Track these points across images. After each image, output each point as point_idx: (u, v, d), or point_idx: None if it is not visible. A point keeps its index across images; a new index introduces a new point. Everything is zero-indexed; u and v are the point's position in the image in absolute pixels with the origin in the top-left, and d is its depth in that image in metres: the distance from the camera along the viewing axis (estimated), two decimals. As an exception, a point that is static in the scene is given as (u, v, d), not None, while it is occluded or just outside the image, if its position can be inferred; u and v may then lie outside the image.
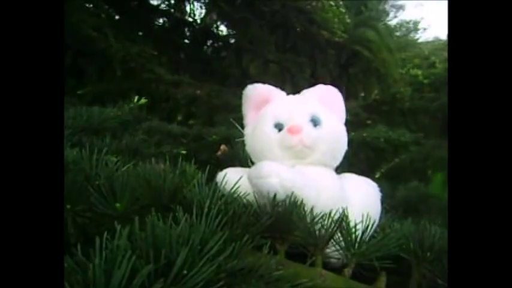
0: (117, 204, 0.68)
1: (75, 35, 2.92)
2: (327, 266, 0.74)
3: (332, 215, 0.73)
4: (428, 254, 0.71)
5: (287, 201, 0.73)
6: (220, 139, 1.81)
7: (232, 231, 0.58)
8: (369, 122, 2.80)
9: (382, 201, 1.41)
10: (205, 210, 0.59)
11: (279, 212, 0.69)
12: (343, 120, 0.97)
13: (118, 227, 0.49)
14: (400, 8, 11.63)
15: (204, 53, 5.36)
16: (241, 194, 0.76)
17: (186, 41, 5.40)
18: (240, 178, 0.79)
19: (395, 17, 11.57)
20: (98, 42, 3.18)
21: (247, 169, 0.88)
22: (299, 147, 0.86)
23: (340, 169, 0.98)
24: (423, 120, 3.22)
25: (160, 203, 0.65)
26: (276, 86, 0.99)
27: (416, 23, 11.57)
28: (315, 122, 0.89)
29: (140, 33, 4.79)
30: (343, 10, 5.92)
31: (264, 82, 0.99)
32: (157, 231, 0.52)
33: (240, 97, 0.99)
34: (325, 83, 0.99)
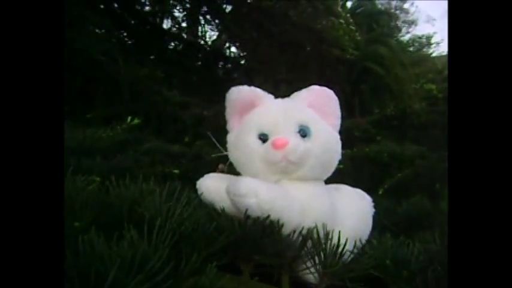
0: (76, 223, 0.66)
1: (84, 60, 2.97)
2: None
3: (303, 232, 0.69)
4: (404, 272, 0.65)
5: (258, 221, 0.69)
6: (218, 158, 1.77)
7: (182, 250, 0.55)
8: (378, 138, 2.73)
9: (382, 218, 1.35)
10: (156, 227, 0.56)
11: (244, 231, 0.65)
12: (338, 127, 0.87)
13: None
14: (413, 23, 11.53)
15: (215, 75, 5.39)
16: (217, 202, 0.72)
17: (198, 63, 5.46)
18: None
19: (408, 32, 11.46)
20: (106, 67, 3.23)
21: (231, 177, 0.81)
22: (283, 163, 0.77)
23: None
24: (435, 134, 3.13)
25: (116, 220, 0.63)
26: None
27: (429, 38, 11.43)
28: (304, 133, 0.80)
29: (152, 57, 4.87)
30: (354, 28, 5.91)
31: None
32: (96, 249, 0.49)
33: None
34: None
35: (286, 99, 0.87)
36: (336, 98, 0.87)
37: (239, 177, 0.77)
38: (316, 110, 0.84)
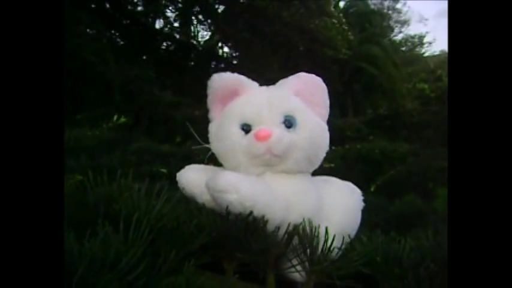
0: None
1: (74, 60, 2.92)
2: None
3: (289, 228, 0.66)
4: (396, 269, 0.63)
5: (239, 218, 0.65)
6: (208, 157, 1.74)
7: (160, 247, 0.52)
8: (371, 137, 2.72)
9: (373, 216, 1.32)
10: (133, 224, 0.53)
11: (226, 228, 0.62)
12: (326, 117, 0.80)
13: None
14: (405, 23, 11.55)
15: (207, 75, 5.34)
16: (197, 196, 0.69)
17: (190, 63, 5.42)
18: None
19: (400, 32, 11.49)
20: (97, 67, 3.19)
21: (213, 168, 0.77)
22: (267, 156, 0.72)
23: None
24: (427, 133, 3.13)
25: (91, 217, 0.60)
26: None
27: (421, 38, 11.47)
28: (289, 123, 0.74)
29: (144, 57, 4.84)
30: (347, 27, 5.91)
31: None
32: (66, 246, 0.46)
33: None
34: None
35: (271, 87, 0.80)
36: (324, 86, 0.80)
37: (219, 171, 0.72)
38: (304, 98, 0.78)
